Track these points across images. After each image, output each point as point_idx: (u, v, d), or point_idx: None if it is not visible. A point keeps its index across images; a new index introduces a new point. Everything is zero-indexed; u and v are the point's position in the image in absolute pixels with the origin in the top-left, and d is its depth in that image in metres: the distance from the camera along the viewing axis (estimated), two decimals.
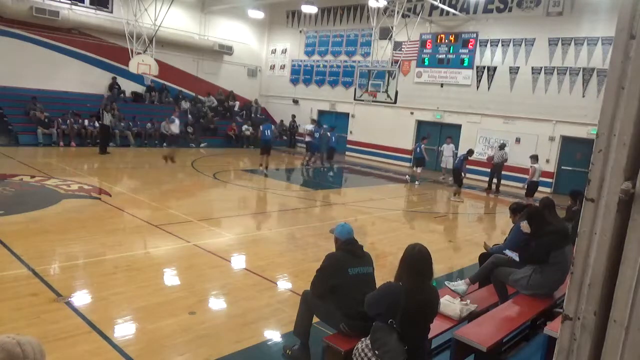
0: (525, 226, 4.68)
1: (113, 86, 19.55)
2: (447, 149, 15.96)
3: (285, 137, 23.13)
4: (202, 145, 19.54)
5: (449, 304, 4.17)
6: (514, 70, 16.73)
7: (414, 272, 3.23)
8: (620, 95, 1.22)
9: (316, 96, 22.93)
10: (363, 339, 3.36)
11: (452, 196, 12.97)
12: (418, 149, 15.55)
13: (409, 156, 16.57)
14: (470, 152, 13.58)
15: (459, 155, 13.93)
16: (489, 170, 15.29)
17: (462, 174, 13.11)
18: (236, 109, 23.10)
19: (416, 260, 3.25)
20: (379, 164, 19.60)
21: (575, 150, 15.49)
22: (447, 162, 15.86)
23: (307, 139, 17.28)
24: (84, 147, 16.45)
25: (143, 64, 17.58)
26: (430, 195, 14.41)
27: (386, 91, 17.00)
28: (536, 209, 5.10)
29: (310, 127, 17.50)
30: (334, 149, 17.59)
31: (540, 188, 13.36)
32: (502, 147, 15.21)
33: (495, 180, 15.10)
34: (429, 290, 3.32)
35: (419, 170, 15.55)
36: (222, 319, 4.91)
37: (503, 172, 15.18)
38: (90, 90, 18.95)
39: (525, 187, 13.05)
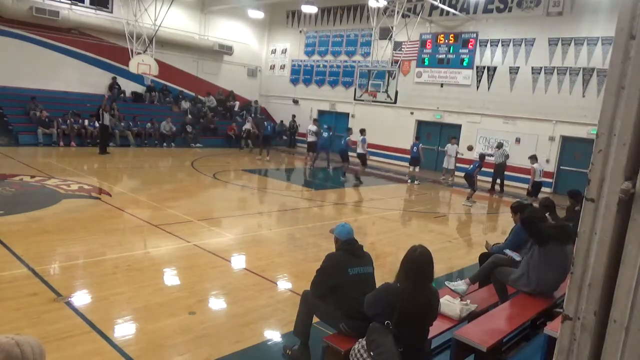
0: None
1: (113, 86, 19.55)
2: (451, 149, 15.90)
3: (285, 137, 23.14)
4: (197, 146, 19.54)
5: (449, 304, 4.16)
6: (514, 70, 16.72)
7: (414, 274, 3.24)
8: (620, 95, 1.22)
9: (316, 96, 22.91)
10: (360, 340, 3.36)
11: (465, 200, 12.78)
12: (415, 148, 15.52)
13: (408, 156, 16.57)
14: (483, 157, 13.24)
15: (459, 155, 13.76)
16: (492, 170, 15.21)
17: (475, 179, 12.79)
18: (236, 109, 23.08)
19: (416, 263, 3.26)
20: (379, 164, 19.59)
21: (575, 150, 15.48)
22: (450, 162, 15.83)
23: (311, 139, 17.22)
24: (84, 147, 16.45)
25: (143, 64, 17.61)
26: (430, 195, 14.40)
27: (386, 91, 16.99)
28: (529, 216, 4.76)
29: (314, 127, 17.42)
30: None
31: (541, 188, 13.30)
32: (499, 146, 15.18)
33: (498, 181, 15.04)
34: (428, 292, 3.32)
35: (416, 169, 15.50)
36: (222, 319, 4.90)
37: (506, 173, 15.14)
38: (90, 90, 18.94)
39: (530, 187, 13.14)
